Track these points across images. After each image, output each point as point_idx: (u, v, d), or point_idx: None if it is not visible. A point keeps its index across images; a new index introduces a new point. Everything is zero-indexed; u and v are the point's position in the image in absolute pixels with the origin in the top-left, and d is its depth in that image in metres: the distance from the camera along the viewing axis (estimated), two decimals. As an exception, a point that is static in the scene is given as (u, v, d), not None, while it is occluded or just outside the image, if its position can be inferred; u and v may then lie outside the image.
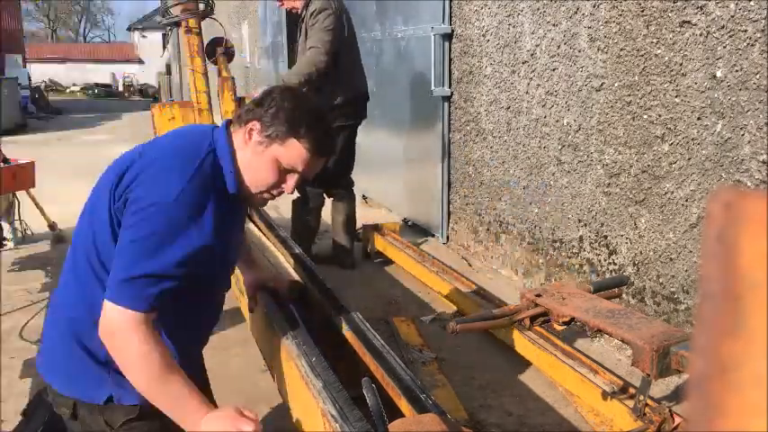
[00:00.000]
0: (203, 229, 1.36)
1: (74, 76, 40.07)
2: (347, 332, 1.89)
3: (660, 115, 2.82)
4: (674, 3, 2.69)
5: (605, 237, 3.23)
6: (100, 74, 40.10)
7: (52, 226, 5.18)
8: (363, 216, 5.75)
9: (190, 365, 1.53)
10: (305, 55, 3.86)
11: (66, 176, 8.03)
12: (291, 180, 1.49)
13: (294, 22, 4.50)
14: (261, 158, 1.45)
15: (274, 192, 1.52)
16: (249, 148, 1.46)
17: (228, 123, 1.52)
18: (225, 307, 1.72)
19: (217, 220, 1.38)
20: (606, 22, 3.10)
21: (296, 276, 2.35)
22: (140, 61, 40.88)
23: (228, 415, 1.32)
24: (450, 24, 4.57)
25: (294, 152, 1.45)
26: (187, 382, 1.34)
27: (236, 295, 2.44)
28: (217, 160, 1.43)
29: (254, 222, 3.32)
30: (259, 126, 1.44)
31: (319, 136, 1.47)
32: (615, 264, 3.17)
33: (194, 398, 1.33)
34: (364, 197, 6.41)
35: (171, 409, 1.33)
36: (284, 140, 1.44)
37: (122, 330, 1.30)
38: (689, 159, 2.69)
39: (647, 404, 2.07)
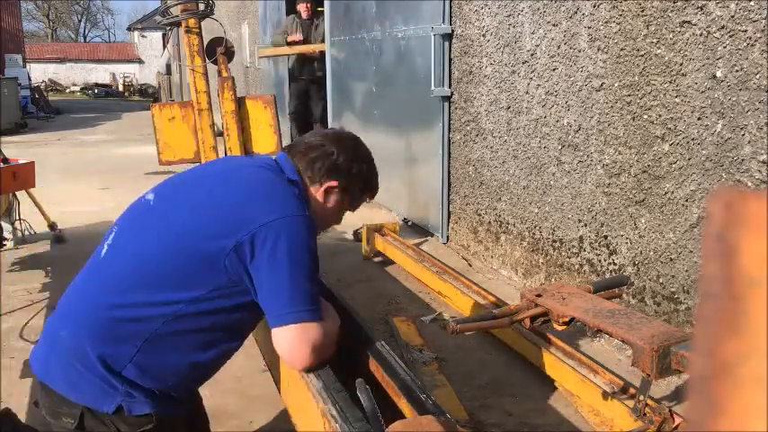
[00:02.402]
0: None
1: (74, 75, 40.12)
2: (347, 332, 1.89)
3: (660, 115, 2.82)
4: (674, 3, 2.69)
5: (605, 237, 3.23)
6: (100, 74, 40.16)
7: (52, 226, 5.18)
8: (363, 216, 5.75)
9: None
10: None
11: (65, 176, 8.04)
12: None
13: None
14: (334, 210, 1.63)
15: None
16: (328, 204, 1.60)
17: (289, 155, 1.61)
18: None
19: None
20: (606, 22, 3.10)
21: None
22: (140, 61, 40.90)
23: None
24: (450, 24, 4.57)
25: (361, 203, 1.69)
26: None
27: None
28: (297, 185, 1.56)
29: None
30: (338, 187, 1.59)
31: (378, 186, 1.70)
32: (615, 264, 3.17)
33: None
34: (364, 197, 6.41)
35: None
36: (359, 197, 1.66)
37: (322, 344, 1.43)
38: (689, 159, 2.69)
39: (647, 404, 2.07)
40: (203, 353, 1.44)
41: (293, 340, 1.40)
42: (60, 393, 1.38)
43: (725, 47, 2.48)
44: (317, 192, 1.57)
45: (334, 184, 1.57)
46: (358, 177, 1.61)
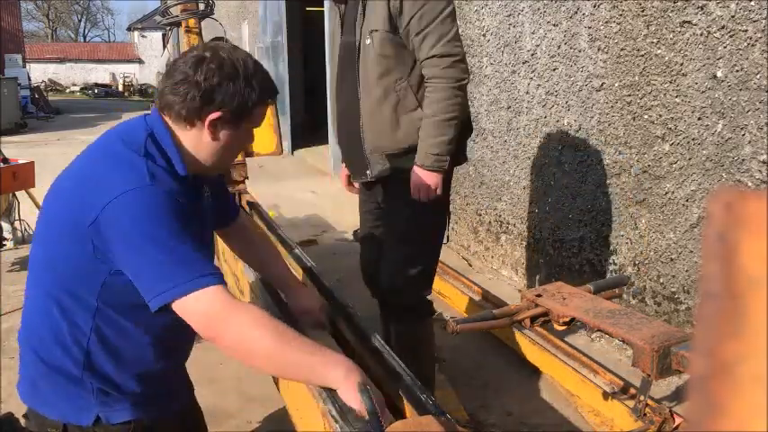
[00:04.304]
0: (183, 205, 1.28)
1: (73, 75, 40.12)
2: (347, 332, 1.89)
3: (660, 115, 2.82)
4: (675, 3, 2.69)
5: (605, 237, 3.23)
6: (100, 74, 40.18)
7: (52, 226, 5.17)
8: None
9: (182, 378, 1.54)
10: (433, 76, 2.10)
11: (66, 176, 8.02)
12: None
13: (292, 19, 4.46)
14: (237, 137, 1.39)
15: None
16: (220, 139, 1.36)
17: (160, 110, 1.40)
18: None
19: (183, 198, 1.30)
20: (606, 22, 3.10)
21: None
22: (140, 61, 40.92)
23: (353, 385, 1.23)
24: (451, 24, 4.56)
25: (261, 113, 1.41)
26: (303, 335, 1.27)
27: (236, 295, 2.44)
28: (158, 142, 1.34)
29: (254, 223, 3.32)
30: (223, 113, 1.34)
31: (268, 85, 1.41)
32: (615, 264, 3.17)
33: (324, 348, 1.25)
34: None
35: (310, 363, 1.22)
36: (252, 111, 1.38)
37: (218, 311, 1.19)
38: (689, 159, 2.69)
39: (647, 404, 2.07)
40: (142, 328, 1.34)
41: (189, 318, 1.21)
42: (42, 414, 1.36)
43: (725, 47, 2.48)
44: (203, 131, 1.35)
45: (216, 115, 1.33)
46: (239, 87, 1.33)
